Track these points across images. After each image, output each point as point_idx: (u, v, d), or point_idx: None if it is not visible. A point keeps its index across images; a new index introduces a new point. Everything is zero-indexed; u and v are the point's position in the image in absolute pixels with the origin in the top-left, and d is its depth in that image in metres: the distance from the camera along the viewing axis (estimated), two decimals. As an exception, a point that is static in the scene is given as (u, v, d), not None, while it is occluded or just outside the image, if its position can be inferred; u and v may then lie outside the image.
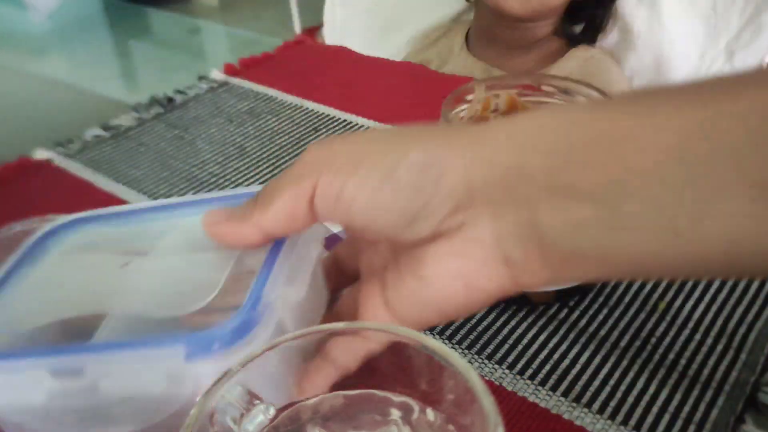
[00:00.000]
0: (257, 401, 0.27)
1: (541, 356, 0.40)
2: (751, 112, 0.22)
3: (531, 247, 0.27)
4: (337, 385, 0.30)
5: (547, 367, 0.40)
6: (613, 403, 0.37)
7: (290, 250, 0.34)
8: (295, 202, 0.30)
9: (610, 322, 0.42)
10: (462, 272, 0.28)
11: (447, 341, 0.42)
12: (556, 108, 0.38)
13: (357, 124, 0.65)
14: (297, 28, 2.29)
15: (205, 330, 0.29)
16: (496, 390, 0.39)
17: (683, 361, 0.39)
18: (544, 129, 0.26)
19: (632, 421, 0.36)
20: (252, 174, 0.59)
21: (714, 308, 0.43)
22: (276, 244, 0.34)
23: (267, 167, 0.60)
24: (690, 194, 0.23)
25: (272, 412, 0.28)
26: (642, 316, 0.43)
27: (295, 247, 0.35)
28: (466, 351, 0.41)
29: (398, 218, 0.28)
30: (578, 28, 0.91)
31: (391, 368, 0.29)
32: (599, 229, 0.25)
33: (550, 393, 0.38)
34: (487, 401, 0.24)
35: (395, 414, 0.29)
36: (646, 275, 0.38)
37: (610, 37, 0.93)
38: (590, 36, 0.91)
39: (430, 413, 0.28)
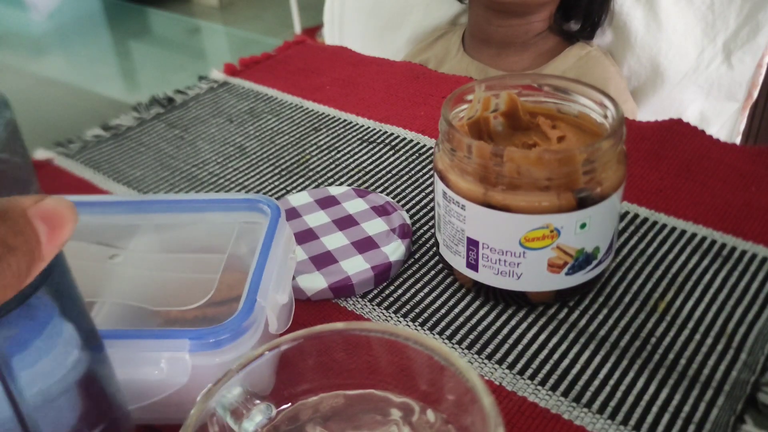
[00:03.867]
0: (257, 401, 0.27)
1: (541, 356, 0.41)
2: None
3: None
4: (338, 385, 0.30)
5: (547, 367, 0.40)
6: (612, 403, 0.37)
7: (274, 259, 0.37)
8: None
9: (610, 322, 0.42)
10: None
11: (447, 341, 0.42)
12: None
13: (357, 124, 0.65)
14: (297, 28, 2.29)
15: (208, 328, 0.33)
16: (496, 390, 0.39)
17: (683, 361, 0.39)
18: None
19: (632, 421, 0.36)
20: (252, 174, 0.59)
21: (714, 308, 0.43)
22: (262, 252, 0.37)
23: (267, 167, 0.60)
24: None
25: (272, 411, 0.28)
26: (642, 316, 0.43)
27: (278, 255, 0.38)
28: (466, 351, 0.41)
29: None
30: (575, 25, 0.91)
31: (391, 368, 0.29)
32: None
33: (550, 393, 0.38)
34: (488, 401, 0.24)
35: (395, 414, 0.29)
36: None
37: (606, 36, 0.92)
38: (587, 33, 0.91)
39: (431, 414, 0.28)
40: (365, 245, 0.48)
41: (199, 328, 0.33)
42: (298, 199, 0.53)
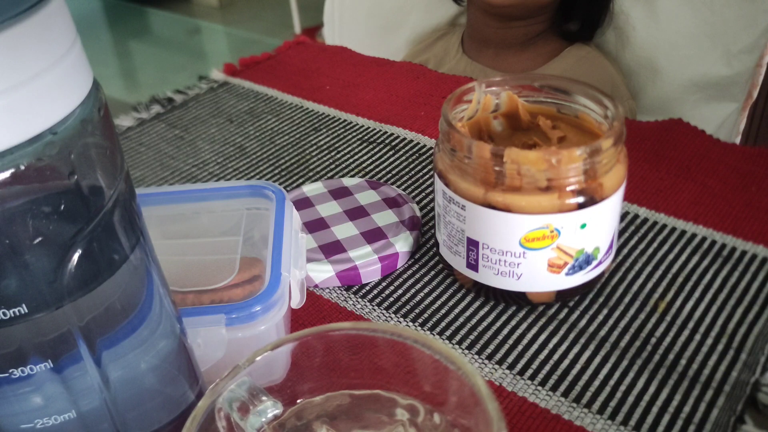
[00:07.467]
0: (264, 397, 0.27)
1: (541, 356, 0.41)
2: None
3: None
4: (344, 384, 0.30)
5: (547, 367, 0.40)
6: (613, 403, 0.37)
7: (289, 237, 0.40)
8: None
9: (610, 322, 0.42)
10: None
11: (447, 341, 0.42)
12: None
13: (357, 124, 0.65)
14: (297, 28, 2.29)
15: (241, 302, 0.35)
16: (497, 390, 0.39)
17: (683, 361, 0.39)
18: None
19: (632, 422, 0.36)
20: (252, 174, 0.59)
21: (714, 308, 0.43)
22: (276, 231, 0.40)
23: (267, 167, 0.60)
24: None
25: (279, 408, 0.28)
26: (642, 316, 0.43)
27: (291, 233, 0.40)
28: (467, 351, 0.41)
29: None
30: (574, 26, 0.91)
31: (397, 369, 0.29)
32: None
33: (550, 393, 0.38)
34: (492, 407, 0.24)
35: (402, 415, 0.29)
36: None
37: (606, 36, 0.92)
38: (587, 33, 0.91)
39: (437, 416, 0.28)
40: (374, 236, 0.49)
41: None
42: (312, 189, 0.54)
